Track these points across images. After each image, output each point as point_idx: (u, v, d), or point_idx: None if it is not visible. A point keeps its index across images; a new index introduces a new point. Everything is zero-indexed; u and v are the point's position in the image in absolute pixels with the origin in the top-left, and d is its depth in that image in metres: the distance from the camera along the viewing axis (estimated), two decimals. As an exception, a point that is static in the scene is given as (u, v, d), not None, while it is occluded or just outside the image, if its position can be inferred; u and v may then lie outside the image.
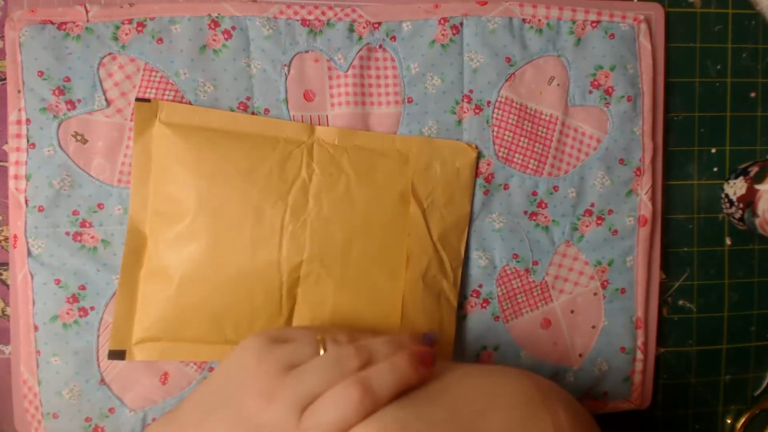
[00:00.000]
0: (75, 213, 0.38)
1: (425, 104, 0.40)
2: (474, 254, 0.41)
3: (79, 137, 0.38)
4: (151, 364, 0.39)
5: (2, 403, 0.39)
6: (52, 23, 0.37)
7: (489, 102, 0.40)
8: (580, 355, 0.43)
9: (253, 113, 0.39)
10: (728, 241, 0.45)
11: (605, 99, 0.41)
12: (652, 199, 0.43)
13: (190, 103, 0.38)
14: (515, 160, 0.41)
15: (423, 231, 0.39)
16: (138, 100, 0.38)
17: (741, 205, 0.42)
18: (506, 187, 0.41)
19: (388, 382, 0.29)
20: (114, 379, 0.39)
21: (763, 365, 0.46)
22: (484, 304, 0.42)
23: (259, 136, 0.38)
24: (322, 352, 0.30)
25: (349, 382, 0.29)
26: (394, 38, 0.40)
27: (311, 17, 0.39)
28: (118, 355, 0.38)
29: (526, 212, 0.42)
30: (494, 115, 0.41)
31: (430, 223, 0.39)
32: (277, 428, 0.28)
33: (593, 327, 0.43)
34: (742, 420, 0.46)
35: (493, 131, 0.41)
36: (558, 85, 0.41)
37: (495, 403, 0.28)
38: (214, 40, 0.38)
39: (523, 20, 0.40)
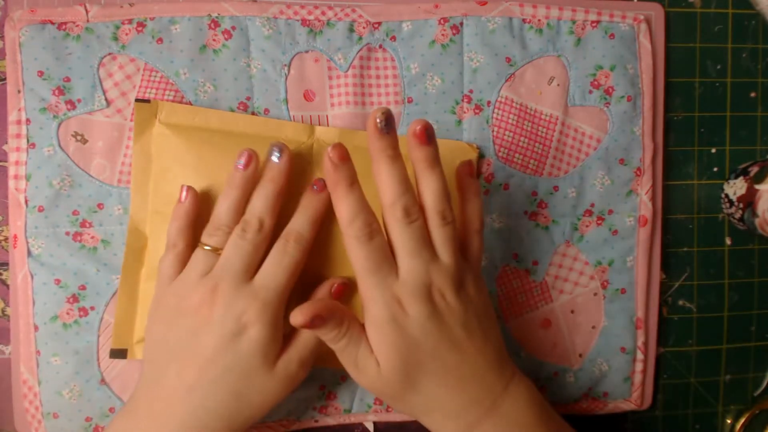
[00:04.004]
0: (75, 213, 0.38)
1: (425, 104, 0.40)
2: (474, 254, 0.41)
3: (79, 137, 0.38)
4: (151, 364, 0.39)
5: (2, 403, 0.39)
6: (52, 23, 0.37)
7: (489, 102, 0.40)
8: (580, 355, 0.43)
9: (253, 113, 0.39)
10: (728, 241, 0.45)
11: (605, 99, 0.41)
12: (653, 199, 0.43)
13: (190, 104, 0.38)
14: (515, 160, 0.41)
15: (423, 231, 0.39)
16: (138, 100, 0.38)
17: (741, 205, 0.42)
18: (506, 187, 0.41)
19: (303, 221, 0.34)
20: (114, 378, 0.39)
21: (763, 365, 0.46)
22: (484, 304, 0.42)
23: (259, 137, 0.38)
24: (207, 246, 0.33)
25: (279, 240, 0.33)
26: (394, 38, 0.40)
27: (311, 17, 0.39)
28: (119, 354, 0.38)
29: (526, 212, 0.42)
30: (494, 115, 0.41)
31: (430, 223, 0.39)
32: (233, 312, 0.31)
33: (593, 327, 0.43)
34: (742, 420, 0.46)
35: (493, 131, 0.41)
36: (558, 85, 0.41)
37: None
38: (214, 40, 0.38)
39: (523, 20, 0.40)
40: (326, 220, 0.36)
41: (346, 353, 0.32)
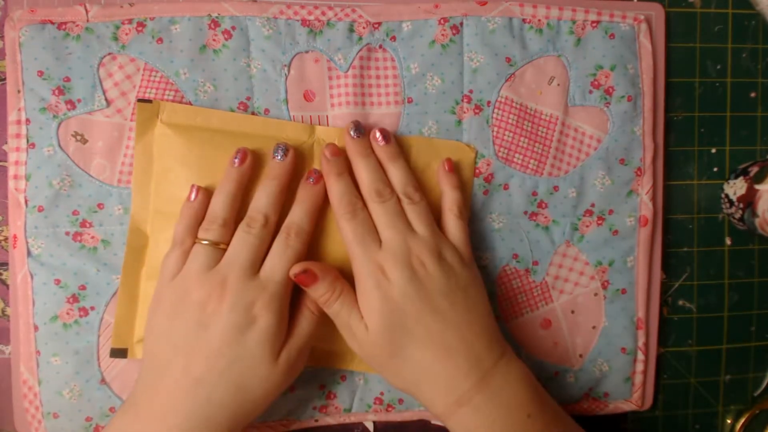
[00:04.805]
0: (75, 213, 0.38)
1: (425, 104, 0.40)
2: (474, 254, 0.41)
3: (78, 137, 0.38)
4: (151, 364, 0.39)
5: (2, 403, 0.39)
6: (52, 23, 0.37)
7: (489, 102, 0.40)
8: (581, 356, 0.43)
9: (253, 113, 0.39)
10: (728, 241, 0.45)
11: (605, 99, 0.41)
12: (653, 199, 0.43)
13: (190, 103, 0.38)
14: (515, 160, 0.41)
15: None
16: (139, 100, 0.38)
17: (741, 205, 0.42)
18: (506, 187, 0.41)
19: (300, 213, 0.36)
20: (114, 378, 0.39)
21: (763, 365, 0.46)
22: (484, 304, 0.42)
23: (259, 137, 0.38)
24: (204, 241, 0.34)
25: (281, 234, 0.35)
26: (394, 38, 0.40)
27: (311, 17, 0.39)
28: (120, 353, 0.38)
29: (526, 212, 0.42)
30: (494, 115, 0.41)
31: (430, 223, 0.39)
32: (243, 303, 0.33)
33: (594, 327, 0.43)
34: (742, 420, 0.46)
35: (493, 131, 0.41)
36: (558, 85, 0.41)
37: None
38: (214, 40, 0.38)
39: (523, 20, 0.40)
40: (324, 216, 0.38)
41: (340, 317, 0.35)
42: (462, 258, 0.36)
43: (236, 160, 0.36)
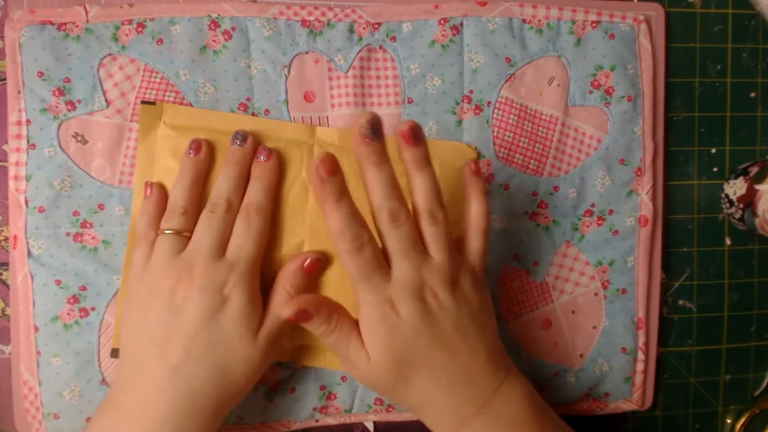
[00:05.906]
0: (75, 214, 0.38)
1: (425, 105, 0.40)
2: (474, 254, 0.41)
3: (79, 138, 0.38)
4: (152, 365, 0.39)
5: (2, 404, 0.39)
6: (52, 24, 0.37)
7: (489, 102, 0.40)
8: (581, 356, 0.43)
9: (253, 114, 0.39)
10: (728, 241, 0.45)
11: (605, 99, 0.41)
12: (653, 199, 0.43)
13: (190, 104, 0.38)
14: (515, 160, 0.41)
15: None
16: (143, 102, 0.38)
17: (741, 205, 0.42)
18: (506, 187, 0.41)
19: (257, 191, 0.35)
20: (115, 379, 0.39)
21: (763, 365, 0.46)
22: (485, 305, 0.42)
23: (260, 137, 0.38)
24: (167, 231, 0.34)
25: (241, 215, 0.35)
26: (394, 39, 0.40)
27: (311, 18, 0.39)
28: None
29: (526, 212, 0.42)
30: (494, 116, 0.41)
31: (431, 223, 0.39)
32: (213, 285, 0.32)
33: (594, 327, 0.43)
34: (742, 420, 0.46)
35: (493, 131, 0.41)
36: (558, 85, 0.41)
37: None
38: (214, 41, 0.38)
39: (523, 20, 0.40)
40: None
41: (338, 348, 0.33)
42: (476, 281, 0.34)
43: (191, 151, 0.36)
